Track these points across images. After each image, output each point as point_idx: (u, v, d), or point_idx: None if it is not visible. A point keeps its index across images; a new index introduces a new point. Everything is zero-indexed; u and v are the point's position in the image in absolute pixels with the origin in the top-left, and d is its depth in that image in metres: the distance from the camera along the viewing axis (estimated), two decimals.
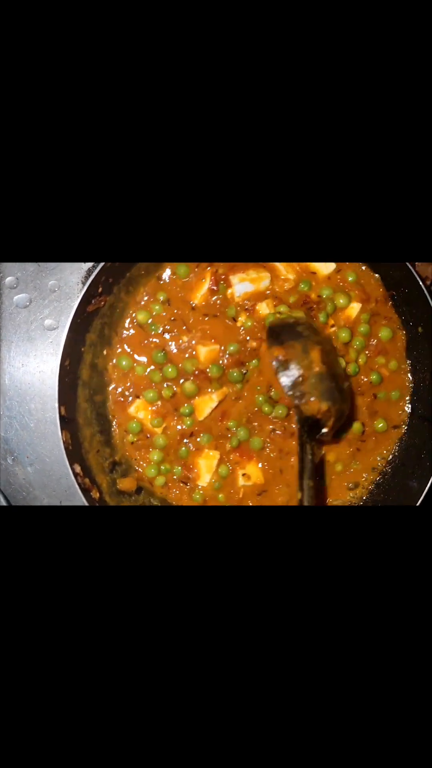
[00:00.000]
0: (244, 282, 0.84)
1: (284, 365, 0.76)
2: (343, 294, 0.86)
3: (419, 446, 0.87)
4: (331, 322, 0.87)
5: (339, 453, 0.89)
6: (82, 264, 0.92)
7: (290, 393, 0.75)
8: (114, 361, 0.85)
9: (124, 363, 0.85)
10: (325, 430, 0.77)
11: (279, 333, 0.79)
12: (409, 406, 0.89)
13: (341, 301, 0.86)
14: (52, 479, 0.91)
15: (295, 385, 0.75)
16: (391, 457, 0.91)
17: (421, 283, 0.83)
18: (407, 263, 0.82)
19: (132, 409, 0.85)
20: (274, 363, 0.76)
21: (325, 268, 0.87)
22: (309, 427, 0.77)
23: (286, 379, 0.75)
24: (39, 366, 0.91)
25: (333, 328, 0.87)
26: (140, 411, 0.85)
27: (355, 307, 0.87)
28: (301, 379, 0.75)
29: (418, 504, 0.82)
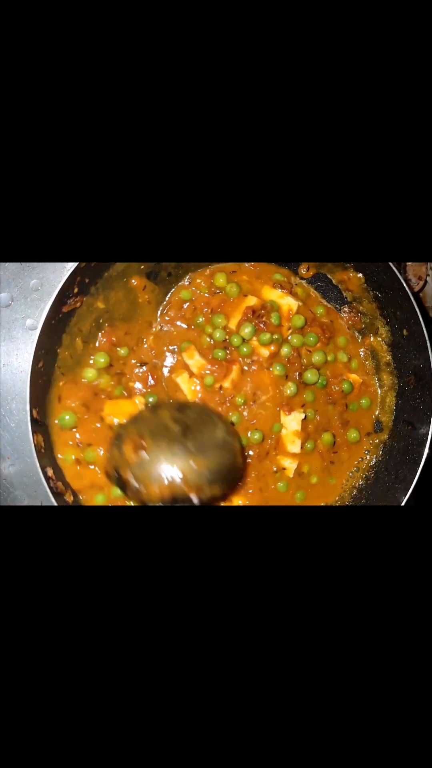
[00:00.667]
0: None
1: (118, 479, 0.70)
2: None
3: (403, 450, 0.85)
4: (286, 324, 0.86)
5: (312, 464, 0.88)
6: (66, 263, 0.91)
7: (134, 497, 0.70)
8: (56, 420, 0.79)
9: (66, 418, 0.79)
10: (194, 499, 0.69)
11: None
12: (395, 411, 0.88)
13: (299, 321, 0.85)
14: (32, 480, 0.90)
15: (130, 489, 0.69)
16: (374, 461, 0.89)
17: (405, 285, 0.81)
18: (392, 265, 0.81)
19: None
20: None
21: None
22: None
23: (126, 490, 0.69)
24: (20, 365, 0.90)
25: (289, 330, 0.86)
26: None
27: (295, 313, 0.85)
28: (128, 481, 0.69)
29: (402, 504, 0.81)
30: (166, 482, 0.67)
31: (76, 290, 0.78)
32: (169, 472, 0.67)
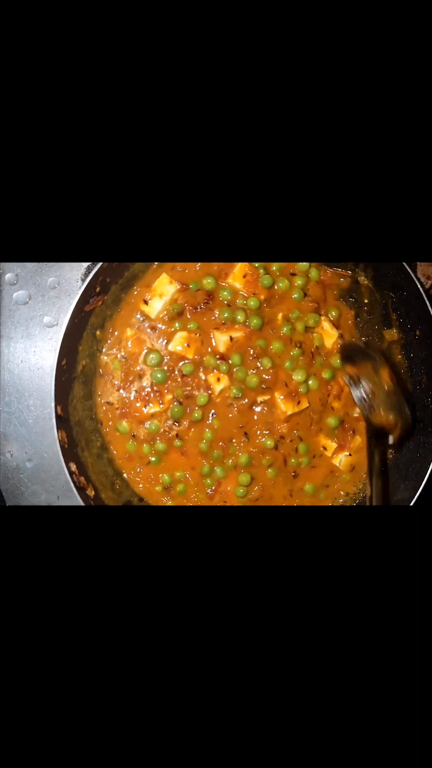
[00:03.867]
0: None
1: (356, 382, 0.84)
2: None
3: (413, 449, 0.87)
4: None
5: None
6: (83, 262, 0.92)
7: (361, 405, 0.83)
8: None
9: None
10: (391, 439, 0.83)
11: (351, 354, 0.87)
12: None
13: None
14: (50, 475, 0.91)
15: (365, 399, 0.83)
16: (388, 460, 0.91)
17: (419, 286, 0.83)
18: (405, 266, 0.82)
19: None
20: (346, 379, 0.86)
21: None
22: (376, 435, 0.83)
23: (357, 394, 0.83)
24: (38, 362, 0.91)
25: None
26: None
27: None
28: (371, 394, 0.83)
29: (411, 504, 0.82)
30: (392, 418, 0.82)
31: (98, 289, 0.79)
32: (398, 413, 0.82)
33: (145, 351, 0.85)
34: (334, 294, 0.91)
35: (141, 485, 0.87)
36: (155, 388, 0.85)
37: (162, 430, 0.86)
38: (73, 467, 0.78)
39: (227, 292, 0.86)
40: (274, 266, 0.89)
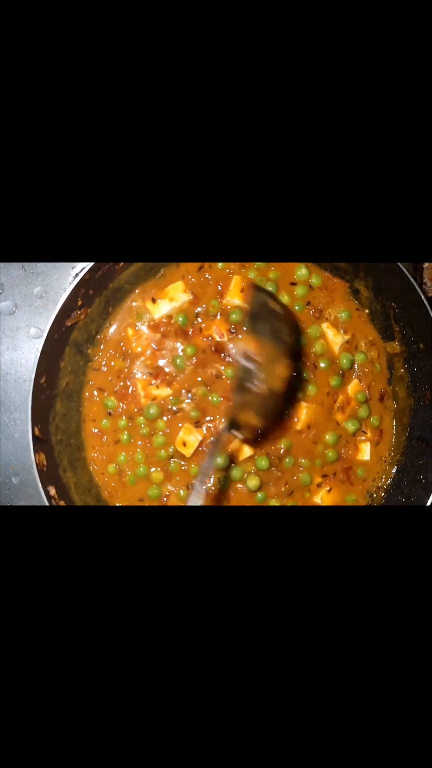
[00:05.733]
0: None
1: (247, 368, 0.69)
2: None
3: (417, 469, 0.82)
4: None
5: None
6: (69, 269, 0.89)
7: (236, 395, 0.71)
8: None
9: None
10: (239, 436, 0.78)
11: (258, 318, 0.71)
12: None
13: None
14: (37, 491, 0.89)
15: (245, 392, 0.70)
16: (390, 480, 0.87)
17: (422, 296, 0.78)
18: (407, 273, 0.77)
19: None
20: (239, 356, 0.71)
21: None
22: (231, 425, 0.76)
23: (241, 383, 0.70)
24: (24, 375, 0.89)
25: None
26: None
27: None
28: (256, 390, 0.70)
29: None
30: (256, 422, 0.75)
31: (80, 303, 0.76)
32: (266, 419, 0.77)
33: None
34: (341, 295, 0.87)
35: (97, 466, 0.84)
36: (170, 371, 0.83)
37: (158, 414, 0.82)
38: (53, 491, 0.75)
39: (236, 314, 0.83)
40: (271, 274, 0.84)
